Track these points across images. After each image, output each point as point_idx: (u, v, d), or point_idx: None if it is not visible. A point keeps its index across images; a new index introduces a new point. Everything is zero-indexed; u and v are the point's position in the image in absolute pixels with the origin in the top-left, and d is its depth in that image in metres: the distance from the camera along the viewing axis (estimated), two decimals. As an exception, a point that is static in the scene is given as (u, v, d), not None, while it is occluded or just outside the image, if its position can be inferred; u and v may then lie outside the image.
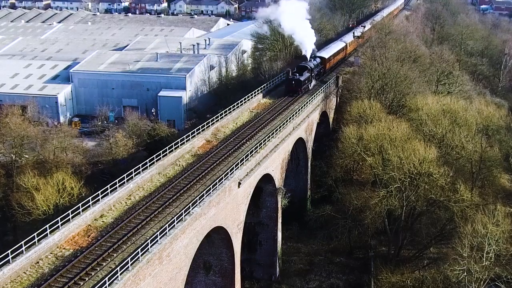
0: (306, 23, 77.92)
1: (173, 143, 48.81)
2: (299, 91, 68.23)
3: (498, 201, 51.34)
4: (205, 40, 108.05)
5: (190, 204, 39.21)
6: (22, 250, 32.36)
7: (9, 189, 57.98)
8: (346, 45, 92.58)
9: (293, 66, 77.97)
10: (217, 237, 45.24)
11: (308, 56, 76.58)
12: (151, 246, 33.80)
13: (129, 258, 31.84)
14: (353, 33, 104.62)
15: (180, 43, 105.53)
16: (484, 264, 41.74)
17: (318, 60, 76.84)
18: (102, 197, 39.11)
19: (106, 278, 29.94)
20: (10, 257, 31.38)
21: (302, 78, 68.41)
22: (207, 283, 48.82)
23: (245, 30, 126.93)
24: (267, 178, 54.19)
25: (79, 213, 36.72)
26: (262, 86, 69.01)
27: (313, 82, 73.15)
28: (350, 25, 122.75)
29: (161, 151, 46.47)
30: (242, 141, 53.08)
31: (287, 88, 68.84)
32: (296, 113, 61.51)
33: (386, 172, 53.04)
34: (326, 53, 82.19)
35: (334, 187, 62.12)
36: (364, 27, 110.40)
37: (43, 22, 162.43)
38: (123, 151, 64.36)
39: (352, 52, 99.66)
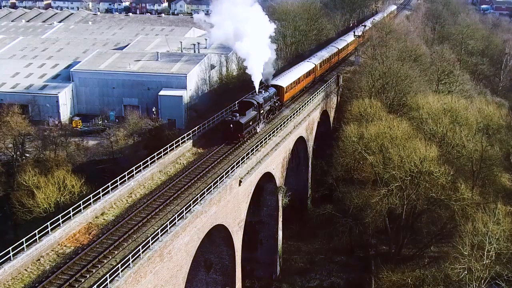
0: (258, 40, 56.47)
1: (173, 141, 48.85)
2: (239, 137, 51.37)
3: (499, 199, 51.25)
4: (206, 40, 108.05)
5: (191, 202, 39.22)
6: (23, 247, 32.41)
7: (10, 187, 58.10)
8: (315, 67, 74.62)
9: (292, 65, 77.34)
10: (218, 235, 45.26)
11: (257, 87, 57.34)
12: (152, 244, 33.84)
13: (130, 255, 31.88)
14: (336, 46, 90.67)
15: (181, 42, 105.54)
16: (484, 262, 41.72)
17: (272, 90, 59.70)
18: (103, 195, 39.18)
19: (107, 275, 29.97)
20: (11, 254, 31.42)
21: (243, 120, 51.32)
22: (208, 281, 48.86)
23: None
24: (267, 177, 54.23)
25: (80, 210, 36.79)
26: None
27: (261, 125, 56.43)
28: (351, 25, 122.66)
29: (161, 149, 46.50)
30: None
31: (224, 133, 51.86)
32: (297, 111, 61.55)
33: (387, 170, 53.05)
34: (285, 79, 64.05)
35: (334, 185, 62.12)
36: (346, 42, 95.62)
37: (44, 21, 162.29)
38: (124, 150, 64.42)
39: (324, 73, 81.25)
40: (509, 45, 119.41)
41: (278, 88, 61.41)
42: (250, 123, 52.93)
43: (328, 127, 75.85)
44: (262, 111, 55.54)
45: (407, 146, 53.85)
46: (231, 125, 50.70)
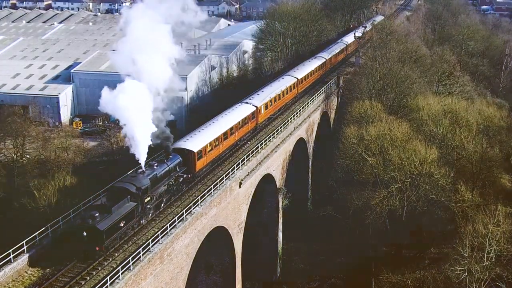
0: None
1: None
2: (96, 251, 32.86)
3: (499, 201, 51.25)
4: (206, 41, 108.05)
5: (191, 203, 39.24)
6: (24, 249, 32.44)
7: (11, 188, 58.04)
8: (256, 109, 55.72)
9: (293, 67, 76.77)
10: (218, 237, 45.28)
11: (143, 162, 38.79)
12: (152, 246, 33.86)
13: (130, 258, 31.91)
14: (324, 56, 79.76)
15: (181, 43, 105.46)
16: (485, 264, 41.82)
17: (176, 161, 41.86)
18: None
19: (108, 278, 30.00)
20: (11, 256, 31.46)
21: (105, 224, 32.88)
22: (208, 283, 48.93)
23: (246, 30, 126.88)
24: (268, 178, 54.28)
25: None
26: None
27: (140, 221, 37.09)
28: (351, 26, 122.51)
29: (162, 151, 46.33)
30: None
31: (73, 246, 33.01)
32: (296, 113, 61.56)
33: (387, 172, 53.08)
34: (197, 142, 45.07)
35: (335, 187, 62.14)
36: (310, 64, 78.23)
37: (44, 22, 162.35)
38: (124, 151, 64.36)
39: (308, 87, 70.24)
40: (510, 46, 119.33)
41: (188, 154, 43.45)
42: (122, 224, 34.22)
43: (329, 129, 75.87)
44: (149, 199, 37.53)
45: (407, 148, 53.88)
46: (84, 233, 32.47)
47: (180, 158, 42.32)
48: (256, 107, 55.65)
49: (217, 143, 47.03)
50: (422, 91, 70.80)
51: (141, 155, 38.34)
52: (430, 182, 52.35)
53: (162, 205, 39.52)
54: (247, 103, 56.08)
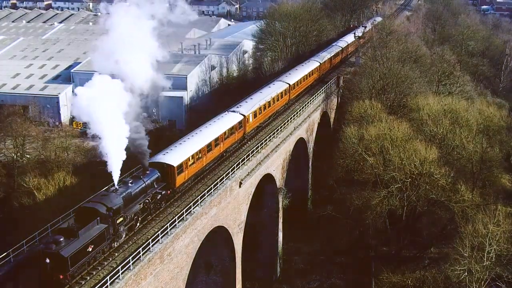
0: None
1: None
2: (60, 279, 29.57)
3: (499, 201, 51.32)
4: (206, 41, 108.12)
5: (192, 203, 39.25)
6: (24, 250, 32.43)
7: (11, 188, 58.09)
8: (244, 118, 52.50)
9: (293, 67, 76.61)
10: (218, 237, 45.28)
11: (116, 178, 35.69)
12: (152, 245, 33.86)
13: (130, 258, 31.92)
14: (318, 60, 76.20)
15: (181, 43, 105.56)
16: (485, 264, 41.79)
17: (153, 176, 38.73)
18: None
19: (108, 277, 29.99)
20: (11, 256, 31.45)
21: (67, 251, 29.65)
22: (208, 282, 48.92)
23: (246, 30, 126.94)
24: (268, 178, 54.28)
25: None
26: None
27: (112, 244, 33.94)
28: (351, 26, 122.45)
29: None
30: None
31: (39, 271, 30.06)
32: (297, 113, 61.56)
33: (387, 172, 53.09)
34: (177, 155, 41.96)
35: (335, 187, 62.15)
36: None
37: (44, 22, 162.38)
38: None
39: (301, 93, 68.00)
40: (510, 46, 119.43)
41: (167, 168, 40.27)
42: (90, 249, 31.27)
43: (329, 129, 75.86)
44: (122, 220, 34.29)
45: (407, 148, 53.86)
46: (47, 260, 29.34)
47: (158, 174, 39.15)
48: (244, 115, 52.41)
49: (200, 156, 43.95)
50: (422, 91, 70.79)
51: (114, 171, 35.13)
52: (430, 182, 52.34)
53: (138, 224, 36.23)
54: (234, 111, 52.62)
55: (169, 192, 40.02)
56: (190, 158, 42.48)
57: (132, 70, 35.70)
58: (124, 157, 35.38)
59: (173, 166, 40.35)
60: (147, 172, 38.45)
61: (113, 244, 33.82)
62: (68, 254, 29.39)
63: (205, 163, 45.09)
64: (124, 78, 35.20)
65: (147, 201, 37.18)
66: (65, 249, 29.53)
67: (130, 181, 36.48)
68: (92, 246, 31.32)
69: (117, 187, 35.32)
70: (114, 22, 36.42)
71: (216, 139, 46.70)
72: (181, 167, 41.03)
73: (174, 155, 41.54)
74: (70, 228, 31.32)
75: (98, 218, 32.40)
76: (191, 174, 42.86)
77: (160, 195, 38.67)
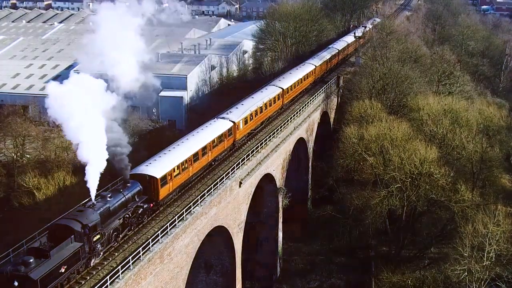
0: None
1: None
2: None
3: (499, 201, 51.40)
4: (206, 41, 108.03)
5: (191, 203, 39.25)
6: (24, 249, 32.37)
7: (10, 188, 58.07)
8: (234, 125, 50.31)
9: (293, 67, 76.52)
10: (218, 237, 45.30)
11: (93, 193, 33.33)
12: (152, 245, 33.86)
13: (130, 257, 31.91)
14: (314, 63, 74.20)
15: (181, 43, 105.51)
16: (484, 264, 41.82)
17: (134, 189, 36.59)
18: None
19: (108, 277, 29.99)
20: (11, 256, 31.43)
21: (37, 274, 27.20)
22: (208, 282, 48.90)
23: (246, 30, 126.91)
24: (268, 178, 54.29)
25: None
26: None
27: (89, 263, 31.67)
28: (351, 26, 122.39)
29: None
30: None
31: None
32: (297, 112, 61.56)
33: (387, 172, 53.08)
34: (161, 166, 39.69)
35: (335, 187, 62.19)
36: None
37: (44, 22, 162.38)
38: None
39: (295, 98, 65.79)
40: (510, 46, 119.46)
41: (150, 180, 38.18)
42: (62, 270, 28.94)
43: (329, 128, 75.88)
44: (99, 237, 32.02)
45: (407, 148, 53.87)
46: (15, 283, 26.89)
47: (140, 186, 36.92)
48: (234, 122, 50.10)
49: (185, 166, 41.69)
50: (422, 91, 70.84)
51: (91, 185, 32.67)
52: (430, 182, 52.35)
53: (119, 239, 34.11)
54: (223, 118, 50.34)
55: (152, 205, 37.78)
56: (175, 168, 40.30)
57: (118, 69, 34.57)
58: (102, 168, 33.08)
59: (156, 178, 38.11)
60: (128, 185, 36.33)
61: (90, 263, 31.69)
62: (38, 276, 26.92)
63: (192, 173, 42.90)
64: (111, 79, 34.11)
65: (128, 215, 34.97)
66: (35, 271, 27.09)
67: (109, 195, 34.31)
68: (65, 267, 28.98)
69: (94, 202, 33.00)
70: (99, 21, 35.43)
71: (204, 148, 44.60)
72: (164, 179, 38.89)
73: (157, 166, 39.29)
74: (41, 247, 28.98)
75: (73, 236, 30.16)
76: (176, 185, 40.69)
77: (141, 209, 36.41)
